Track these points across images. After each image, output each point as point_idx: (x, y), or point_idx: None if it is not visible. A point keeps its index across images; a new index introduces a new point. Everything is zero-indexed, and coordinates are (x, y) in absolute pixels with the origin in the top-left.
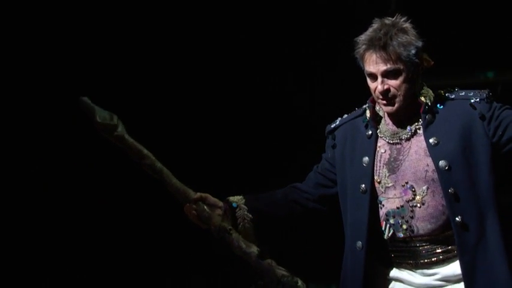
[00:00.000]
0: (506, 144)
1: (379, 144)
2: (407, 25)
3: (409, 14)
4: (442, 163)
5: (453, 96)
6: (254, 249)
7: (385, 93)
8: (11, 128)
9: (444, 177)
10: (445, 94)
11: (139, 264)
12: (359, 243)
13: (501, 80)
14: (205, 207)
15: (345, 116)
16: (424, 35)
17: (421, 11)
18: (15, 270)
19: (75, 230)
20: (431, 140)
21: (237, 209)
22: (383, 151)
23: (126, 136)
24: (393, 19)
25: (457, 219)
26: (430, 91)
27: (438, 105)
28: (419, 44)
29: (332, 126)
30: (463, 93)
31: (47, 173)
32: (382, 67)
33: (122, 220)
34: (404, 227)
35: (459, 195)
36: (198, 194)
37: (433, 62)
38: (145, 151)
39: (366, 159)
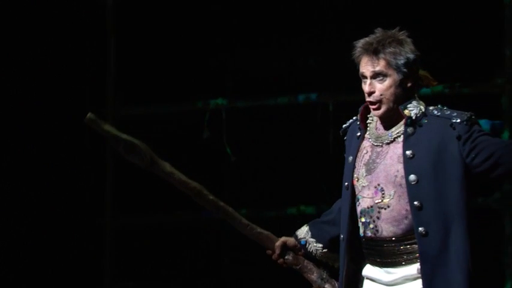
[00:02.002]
0: (479, 166)
1: (364, 145)
2: (405, 38)
3: None
4: (412, 177)
5: (439, 114)
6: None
7: (371, 94)
8: None
9: (412, 190)
10: (432, 110)
11: None
12: (341, 236)
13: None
14: (290, 254)
15: (354, 117)
16: None
17: None
18: None
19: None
20: (408, 152)
21: (307, 245)
22: (365, 152)
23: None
24: (394, 31)
25: (420, 229)
26: (422, 106)
27: (424, 119)
28: (411, 56)
29: (343, 126)
30: (448, 113)
31: None
32: (371, 69)
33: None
34: (371, 226)
35: (424, 208)
36: (280, 240)
37: (436, 82)
38: (221, 203)
39: (350, 158)
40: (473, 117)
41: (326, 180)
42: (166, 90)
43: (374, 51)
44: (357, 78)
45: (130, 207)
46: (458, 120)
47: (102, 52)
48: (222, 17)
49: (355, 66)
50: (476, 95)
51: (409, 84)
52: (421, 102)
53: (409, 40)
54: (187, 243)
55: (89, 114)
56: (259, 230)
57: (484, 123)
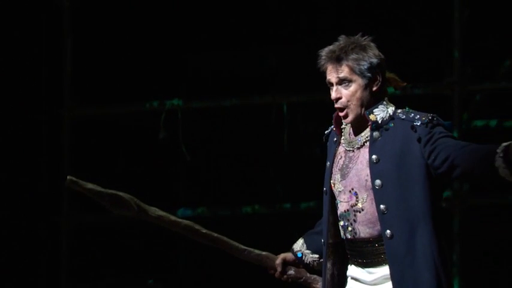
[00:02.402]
0: (439, 167)
1: (339, 150)
2: (368, 43)
3: None
4: (377, 182)
5: (403, 117)
6: None
7: (337, 100)
8: None
9: (377, 195)
10: (399, 114)
11: None
12: (322, 241)
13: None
14: (292, 269)
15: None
16: None
17: None
18: None
19: None
20: (373, 157)
21: (303, 257)
22: (339, 157)
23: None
24: (357, 36)
25: (386, 232)
26: (391, 109)
27: (390, 123)
28: (375, 60)
29: (325, 132)
30: (412, 115)
31: None
32: (335, 75)
33: None
34: (350, 229)
35: (390, 211)
36: (279, 258)
37: (404, 84)
38: (215, 235)
39: (328, 163)
40: (435, 119)
41: (281, 179)
42: (122, 91)
43: (337, 59)
44: (311, 80)
45: (87, 206)
46: (419, 123)
47: (58, 53)
48: (178, 19)
49: (310, 68)
50: (427, 96)
51: (374, 88)
52: (390, 105)
53: (372, 45)
54: (144, 242)
55: (68, 177)
56: (257, 252)
57: None
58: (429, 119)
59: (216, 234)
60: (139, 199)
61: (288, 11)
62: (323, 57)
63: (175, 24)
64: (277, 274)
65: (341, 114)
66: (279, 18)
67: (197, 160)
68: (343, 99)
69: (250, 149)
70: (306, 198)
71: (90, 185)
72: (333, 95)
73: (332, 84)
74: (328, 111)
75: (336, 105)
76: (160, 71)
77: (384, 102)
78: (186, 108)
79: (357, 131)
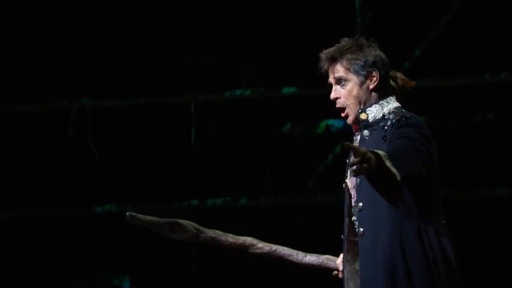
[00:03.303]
0: None
1: None
2: (365, 42)
3: None
4: (357, 180)
5: (389, 117)
6: None
7: (336, 100)
8: None
9: (358, 193)
10: (391, 114)
11: None
12: (342, 236)
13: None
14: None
15: None
16: None
17: None
18: None
19: None
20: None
21: None
22: (350, 156)
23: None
24: (356, 37)
25: (360, 230)
26: (386, 108)
27: (381, 122)
28: (370, 58)
29: None
30: (392, 116)
31: None
32: (332, 76)
33: None
34: (357, 224)
35: (364, 209)
36: (340, 257)
37: (413, 82)
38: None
39: (347, 160)
40: (403, 119)
41: (189, 177)
42: (30, 90)
43: (333, 59)
44: (220, 79)
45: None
46: (389, 123)
47: None
48: (87, 17)
49: (217, 67)
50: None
51: (371, 86)
52: (390, 104)
53: (372, 45)
54: (60, 239)
55: (128, 214)
56: (315, 256)
57: (337, 123)
58: (397, 119)
59: (274, 246)
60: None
61: (196, 12)
62: (322, 60)
63: (85, 23)
64: (340, 274)
65: (342, 115)
66: (188, 18)
67: (106, 158)
68: (342, 99)
69: (159, 148)
70: (213, 195)
71: (148, 218)
72: (332, 95)
73: (332, 85)
74: (236, 109)
75: (336, 106)
76: (69, 70)
77: (383, 102)
78: (94, 106)
79: (357, 129)
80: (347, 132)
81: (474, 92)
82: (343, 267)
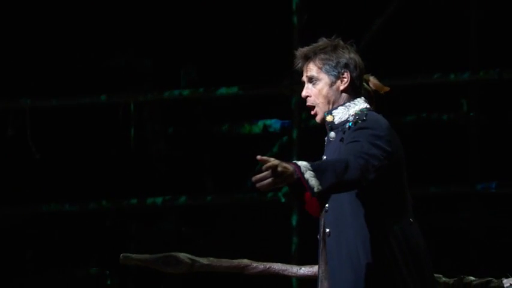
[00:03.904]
0: None
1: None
2: (341, 44)
3: None
4: None
5: (350, 119)
6: None
7: (306, 98)
8: None
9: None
10: (355, 115)
11: None
12: (318, 236)
13: None
14: None
15: None
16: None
17: None
18: None
19: None
20: (324, 158)
21: None
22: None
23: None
24: (333, 37)
25: (327, 230)
26: (352, 110)
27: (347, 124)
28: (343, 60)
29: None
30: (352, 117)
31: None
32: (305, 74)
33: None
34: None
35: (330, 210)
36: None
37: (387, 88)
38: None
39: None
40: (359, 121)
41: (128, 176)
42: None
43: (306, 58)
44: (159, 79)
45: None
46: (348, 125)
47: None
48: (28, 18)
49: (157, 68)
50: (268, 96)
51: (342, 87)
52: (358, 106)
53: (348, 47)
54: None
55: (121, 255)
56: (308, 267)
57: (275, 123)
58: (354, 122)
59: (268, 264)
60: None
61: (136, 14)
62: (297, 58)
63: (26, 23)
64: None
65: (312, 112)
66: (128, 20)
67: (46, 157)
68: (312, 98)
69: (98, 147)
70: (153, 194)
71: (142, 256)
72: (303, 93)
73: (304, 83)
74: (175, 109)
75: (306, 104)
76: (8, 69)
77: (350, 103)
78: (34, 107)
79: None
80: (285, 132)
81: (408, 93)
82: (318, 267)
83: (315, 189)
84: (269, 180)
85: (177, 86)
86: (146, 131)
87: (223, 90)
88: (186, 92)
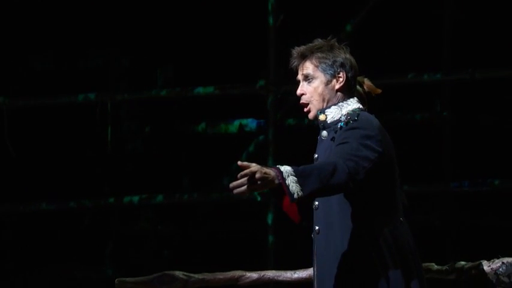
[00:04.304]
0: None
1: None
2: (336, 44)
3: None
4: None
5: (342, 119)
6: None
7: (301, 96)
8: None
9: None
10: (347, 115)
11: None
12: (312, 235)
13: None
14: None
15: None
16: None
17: None
18: None
19: None
20: (315, 156)
21: None
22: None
23: None
24: (329, 38)
25: (316, 228)
26: (345, 110)
27: (339, 124)
28: (339, 59)
29: None
30: (344, 117)
31: None
32: (301, 72)
33: None
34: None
35: (319, 208)
36: None
37: (380, 91)
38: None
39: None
40: (350, 122)
41: (106, 175)
42: None
43: (303, 56)
44: (135, 79)
45: None
46: (340, 125)
47: None
48: (5, 17)
49: (134, 68)
50: (244, 96)
51: (337, 86)
52: (351, 106)
53: (343, 47)
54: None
55: (116, 281)
56: (302, 271)
57: (251, 122)
58: (345, 122)
59: (262, 272)
60: None
61: (114, 14)
62: (293, 57)
63: (2, 23)
64: None
65: (305, 110)
66: (106, 20)
67: (23, 156)
68: (307, 96)
69: (76, 146)
70: (129, 192)
71: (138, 278)
72: (298, 91)
73: (299, 81)
74: (152, 109)
75: (300, 101)
76: None
77: (343, 103)
78: (11, 105)
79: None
80: (261, 131)
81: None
82: (313, 264)
83: (295, 196)
84: (244, 188)
85: (154, 86)
86: (123, 130)
87: (199, 90)
88: (163, 92)
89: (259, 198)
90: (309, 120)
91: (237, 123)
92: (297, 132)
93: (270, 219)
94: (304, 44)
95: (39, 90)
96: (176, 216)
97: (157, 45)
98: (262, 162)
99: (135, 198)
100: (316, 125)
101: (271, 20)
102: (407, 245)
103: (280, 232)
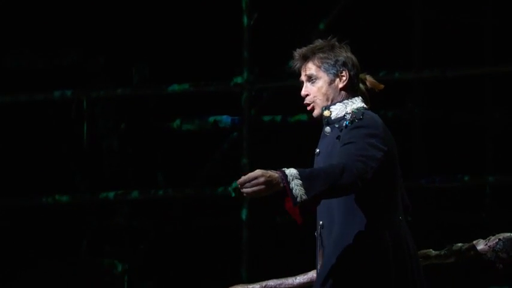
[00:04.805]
0: None
1: None
2: (337, 43)
3: None
4: None
5: (346, 117)
6: None
7: (305, 97)
8: None
9: None
10: (349, 113)
11: None
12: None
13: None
14: None
15: None
16: None
17: None
18: None
19: None
20: (317, 150)
21: None
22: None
23: None
24: (329, 38)
25: (320, 222)
26: (349, 108)
27: (342, 121)
28: (341, 58)
29: None
30: (349, 116)
31: None
32: (304, 73)
33: None
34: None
35: (322, 203)
36: None
37: (382, 86)
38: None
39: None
40: (356, 120)
41: (81, 171)
42: None
43: (305, 58)
44: (112, 76)
45: None
46: (345, 123)
47: None
48: None
49: (110, 65)
50: (219, 93)
51: (340, 85)
52: (355, 104)
53: (344, 46)
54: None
55: None
56: (303, 275)
57: (225, 119)
58: (351, 121)
59: (264, 282)
60: None
61: (87, 10)
62: (295, 59)
63: None
64: None
65: (308, 108)
66: (83, 17)
67: None
68: (310, 96)
69: (51, 143)
70: (105, 189)
71: None
72: (302, 92)
73: (303, 82)
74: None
75: (304, 102)
76: None
77: (348, 101)
78: None
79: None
80: (235, 128)
81: None
82: (317, 263)
83: (298, 199)
84: (249, 190)
85: (130, 83)
86: (99, 127)
87: (174, 87)
88: (138, 89)
89: (233, 194)
90: (284, 116)
91: (211, 119)
92: (271, 128)
93: (244, 214)
94: (277, 42)
95: (14, 87)
96: (151, 211)
97: (132, 42)
98: (236, 159)
99: (111, 194)
100: (291, 123)
101: (245, 18)
102: (404, 243)
103: (254, 227)
